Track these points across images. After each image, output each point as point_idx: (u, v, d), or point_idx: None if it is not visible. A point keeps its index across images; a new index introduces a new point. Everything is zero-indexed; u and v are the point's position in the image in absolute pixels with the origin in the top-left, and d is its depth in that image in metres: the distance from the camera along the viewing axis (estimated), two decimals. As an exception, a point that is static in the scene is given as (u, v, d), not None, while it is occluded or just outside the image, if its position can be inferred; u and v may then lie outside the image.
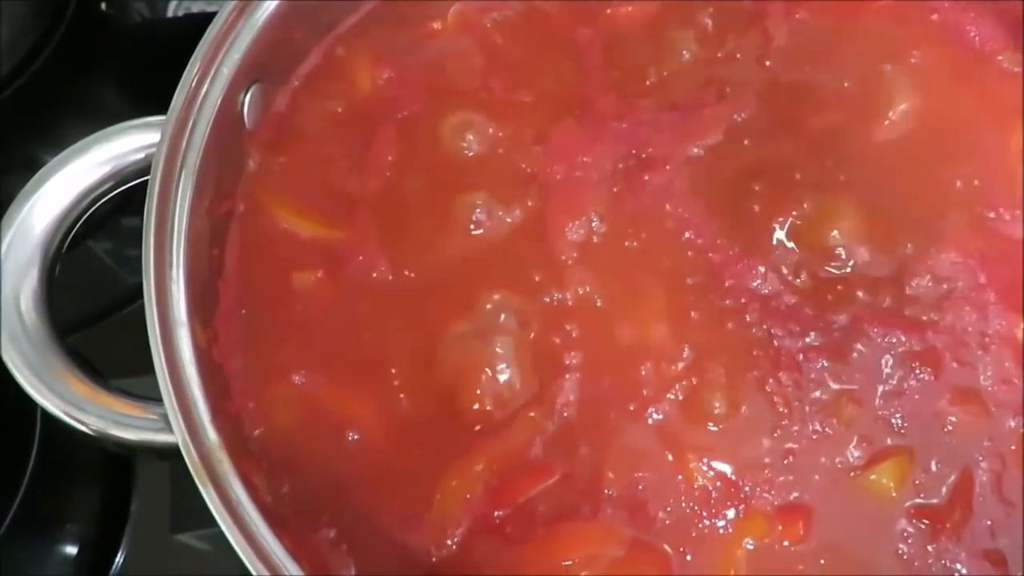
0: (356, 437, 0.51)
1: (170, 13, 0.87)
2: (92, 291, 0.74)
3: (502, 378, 0.51)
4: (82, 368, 0.48)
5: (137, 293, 0.71)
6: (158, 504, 0.67)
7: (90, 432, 0.46)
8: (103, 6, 0.84)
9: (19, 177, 0.51)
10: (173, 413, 0.44)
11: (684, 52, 0.59)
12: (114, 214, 0.76)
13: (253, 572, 0.42)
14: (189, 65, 0.51)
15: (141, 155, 0.50)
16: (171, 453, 0.46)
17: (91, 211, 0.50)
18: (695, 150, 0.57)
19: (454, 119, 0.57)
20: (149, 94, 0.81)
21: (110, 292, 0.73)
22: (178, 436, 0.44)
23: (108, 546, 0.67)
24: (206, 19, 0.85)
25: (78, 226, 0.50)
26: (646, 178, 0.56)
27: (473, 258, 0.54)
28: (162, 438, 0.46)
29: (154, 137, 0.50)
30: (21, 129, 0.77)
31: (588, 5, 0.60)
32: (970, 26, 0.60)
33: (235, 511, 0.43)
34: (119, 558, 0.66)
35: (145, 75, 0.81)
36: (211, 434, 0.45)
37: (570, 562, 0.49)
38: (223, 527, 0.43)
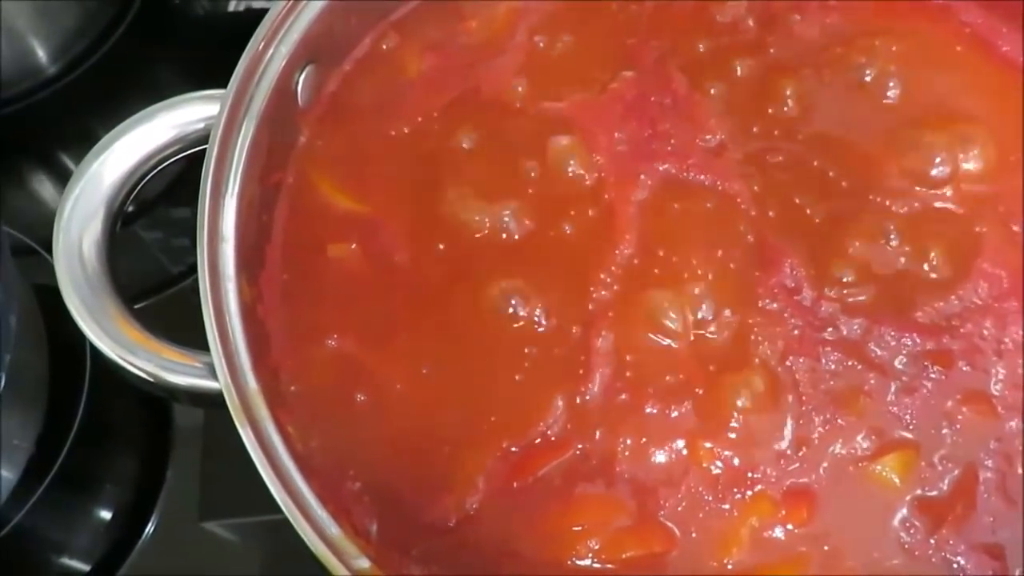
0: (381, 402, 0.53)
1: (231, 8, 0.91)
2: (134, 276, 0.77)
3: (528, 352, 0.54)
4: (136, 316, 0.51)
5: (178, 280, 0.75)
6: (189, 484, 0.69)
7: (140, 374, 0.50)
8: (172, -4, 0.89)
9: (82, 150, 0.54)
10: (218, 358, 0.47)
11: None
12: (164, 205, 0.80)
13: (284, 511, 0.45)
14: (250, 43, 0.54)
15: (202, 124, 0.54)
16: (211, 402, 0.49)
17: (154, 172, 0.54)
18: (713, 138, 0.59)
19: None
20: (209, 81, 0.85)
21: (153, 278, 0.77)
22: (221, 381, 0.47)
23: (139, 515, 0.69)
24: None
25: (140, 186, 0.54)
26: (684, 157, 0.59)
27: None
28: (206, 383, 0.49)
29: (215, 108, 0.53)
30: (87, 106, 0.82)
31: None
32: (1000, 40, 0.61)
33: (269, 452, 0.46)
34: (149, 528, 0.68)
35: (205, 65, 0.85)
36: (251, 381, 0.48)
37: (580, 528, 0.51)
38: (257, 465, 0.45)
